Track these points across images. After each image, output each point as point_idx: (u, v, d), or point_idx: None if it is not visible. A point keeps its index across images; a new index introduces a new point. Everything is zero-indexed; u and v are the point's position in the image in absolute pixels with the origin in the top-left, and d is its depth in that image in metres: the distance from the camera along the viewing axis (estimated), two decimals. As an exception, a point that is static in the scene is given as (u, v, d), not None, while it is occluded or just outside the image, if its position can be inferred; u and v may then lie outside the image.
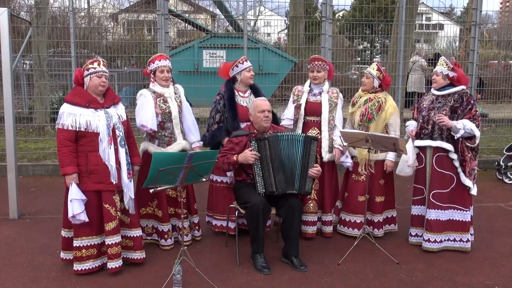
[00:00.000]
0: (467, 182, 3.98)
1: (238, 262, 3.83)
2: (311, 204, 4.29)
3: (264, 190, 3.71)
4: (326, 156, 4.25)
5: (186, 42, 11.38)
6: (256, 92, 4.36)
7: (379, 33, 12.53)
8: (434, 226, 4.03)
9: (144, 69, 4.11)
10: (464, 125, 3.83)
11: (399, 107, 4.70)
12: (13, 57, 5.07)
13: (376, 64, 4.31)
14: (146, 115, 3.79)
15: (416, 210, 4.22)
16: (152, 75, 3.99)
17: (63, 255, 3.68)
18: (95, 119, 3.45)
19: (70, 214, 3.36)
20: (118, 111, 3.64)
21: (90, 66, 3.49)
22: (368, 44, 13.70)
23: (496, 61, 11.26)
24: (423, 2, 18.82)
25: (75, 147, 3.45)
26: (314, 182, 3.94)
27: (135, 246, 3.71)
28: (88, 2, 14.70)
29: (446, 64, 4.00)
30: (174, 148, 3.98)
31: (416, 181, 4.23)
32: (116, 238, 3.53)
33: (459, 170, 3.97)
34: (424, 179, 4.13)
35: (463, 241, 4.06)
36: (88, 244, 3.50)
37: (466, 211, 4.04)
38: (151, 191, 3.33)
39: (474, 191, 4.03)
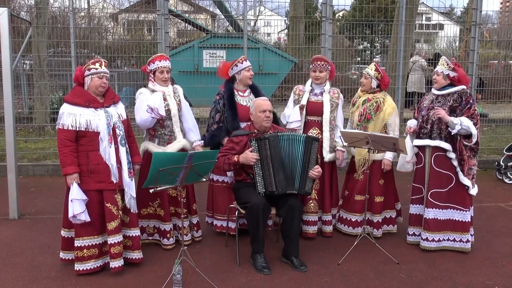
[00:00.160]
0: (466, 181, 3.98)
1: (238, 262, 3.83)
2: (312, 204, 4.29)
3: (264, 190, 3.72)
4: (327, 156, 4.25)
5: (186, 42, 11.38)
6: (256, 92, 4.36)
7: (379, 33, 12.53)
8: (432, 225, 4.04)
9: (143, 66, 4.11)
10: (461, 122, 3.83)
11: (399, 107, 4.70)
12: (13, 57, 5.07)
13: (374, 64, 4.31)
14: (154, 101, 3.77)
15: (414, 209, 4.23)
16: (151, 75, 4.00)
17: (62, 255, 3.68)
18: (95, 119, 3.45)
19: (70, 214, 3.36)
20: (118, 110, 3.64)
21: (92, 66, 3.50)
22: (368, 44, 13.69)
23: (496, 61, 11.26)
24: (423, 2, 18.83)
25: (76, 147, 3.45)
26: (314, 183, 3.95)
27: (133, 245, 3.71)
28: (88, 2, 14.71)
29: (447, 64, 4.00)
30: (174, 146, 3.98)
31: (414, 180, 4.24)
32: (118, 237, 3.53)
33: (458, 169, 3.97)
34: (423, 178, 4.13)
35: (463, 242, 4.06)
36: (90, 244, 3.51)
37: (466, 211, 4.04)
38: (151, 191, 3.33)
39: (473, 191, 4.03)
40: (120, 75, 9.17)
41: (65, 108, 3.45)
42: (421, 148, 4.13)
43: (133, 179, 3.66)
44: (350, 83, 9.33)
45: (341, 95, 4.43)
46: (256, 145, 3.72)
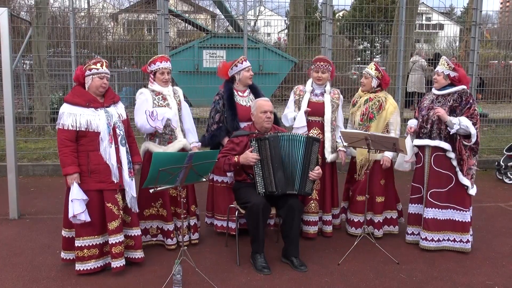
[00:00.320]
0: (465, 181, 3.98)
1: (238, 262, 3.82)
2: (313, 204, 4.30)
3: (264, 190, 3.72)
4: (329, 156, 4.26)
5: (186, 42, 11.37)
6: (256, 92, 4.36)
7: (379, 33, 12.53)
8: (431, 225, 4.04)
9: (143, 66, 4.12)
10: (460, 121, 3.84)
11: (399, 107, 4.70)
12: (13, 57, 5.07)
13: (374, 64, 4.32)
14: (162, 111, 3.80)
15: (413, 208, 4.23)
16: (151, 75, 4.01)
17: (63, 255, 3.68)
18: (95, 119, 3.45)
19: (70, 214, 3.36)
20: (118, 110, 3.64)
21: (93, 66, 3.49)
22: (368, 44, 13.69)
23: (496, 61, 11.26)
24: (423, 2, 18.82)
25: (76, 147, 3.45)
26: (315, 183, 3.95)
27: (135, 245, 3.71)
28: (88, 2, 14.71)
29: (447, 64, 4.01)
30: (175, 146, 3.98)
31: (414, 180, 4.24)
32: (120, 237, 3.53)
33: (457, 169, 3.97)
34: (422, 178, 4.13)
35: (463, 242, 4.06)
36: (90, 244, 3.51)
37: (466, 211, 4.04)
38: (151, 191, 3.33)
39: (472, 191, 4.02)
40: (120, 75, 9.16)
41: (65, 108, 3.45)
42: (421, 148, 4.13)
43: (133, 179, 3.66)
44: (350, 83, 9.33)
45: (341, 96, 4.43)
46: (256, 145, 3.72)
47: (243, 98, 4.27)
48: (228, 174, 4.18)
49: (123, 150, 3.57)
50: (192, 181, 3.52)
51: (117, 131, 3.56)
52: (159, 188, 3.28)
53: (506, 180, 6.74)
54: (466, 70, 7.44)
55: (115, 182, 3.51)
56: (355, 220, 4.36)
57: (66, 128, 3.40)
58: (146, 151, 3.99)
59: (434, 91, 4.13)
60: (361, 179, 4.30)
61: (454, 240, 4.07)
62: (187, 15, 13.26)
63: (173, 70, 4.16)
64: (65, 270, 3.64)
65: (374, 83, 4.29)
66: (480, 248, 4.18)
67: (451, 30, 16.25)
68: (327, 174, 4.31)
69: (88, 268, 3.51)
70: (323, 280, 3.55)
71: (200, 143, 4.20)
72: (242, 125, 4.16)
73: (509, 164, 6.74)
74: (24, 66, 9.92)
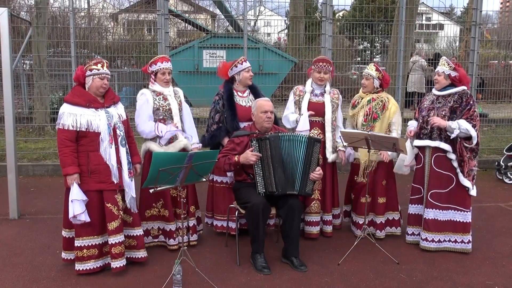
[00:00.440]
0: (466, 182, 3.98)
1: (238, 262, 3.82)
2: (315, 204, 4.30)
3: (264, 190, 3.72)
4: (330, 157, 4.26)
5: (186, 42, 11.37)
6: (255, 92, 4.36)
7: (379, 33, 12.53)
8: (432, 226, 4.03)
9: (144, 67, 4.13)
10: (459, 125, 3.83)
11: (399, 107, 4.69)
12: (13, 57, 5.07)
13: (374, 65, 4.32)
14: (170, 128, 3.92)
15: (413, 209, 4.23)
16: (152, 76, 4.01)
17: (64, 255, 3.68)
18: (95, 119, 3.45)
19: (70, 215, 3.36)
20: (118, 111, 3.65)
21: (94, 67, 3.49)
22: (368, 44, 13.70)
23: (496, 61, 11.26)
24: (423, 2, 18.82)
25: (76, 147, 3.45)
26: (315, 184, 3.94)
27: (138, 245, 3.72)
28: (88, 2, 14.71)
29: (448, 64, 4.01)
30: (176, 146, 3.98)
31: (414, 180, 4.23)
32: (119, 237, 3.53)
33: (458, 170, 3.97)
34: (422, 178, 4.13)
35: (464, 243, 4.06)
36: (89, 244, 3.51)
37: (467, 212, 4.04)
38: (151, 191, 3.33)
39: (473, 192, 4.03)
40: (120, 75, 9.16)
41: (65, 108, 3.45)
42: (421, 148, 4.13)
43: (133, 179, 3.66)
44: (350, 83, 9.33)
45: (340, 95, 4.44)
46: (257, 145, 3.72)
47: (242, 99, 4.27)
48: (228, 174, 4.18)
49: (123, 151, 3.57)
50: (192, 181, 3.52)
51: (117, 131, 3.56)
52: (159, 188, 3.28)
53: (506, 180, 6.74)
54: (466, 70, 7.43)
55: (115, 182, 3.51)
56: (361, 222, 4.34)
57: (66, 128, 3.40)
58: (146, 151, 3.99)
59: (434, 91, 4.12)
60: (362, 181, 4.28)
61: (455, 241, 4.07)
62: (187, 15, 13.26)
63: (173, 70, 4.16)
64: (65, 270, 3.65)
65: (376, 83, 4.29)
66: (480, 248, 4.18)
67: (451, 30, 16.27)
68: (328, 174, 4.31)
69: (88, 268, 3.51)
70: (323, 280, 3.55)
71: (200, 144, 4.20)
72: (242, 125, 4.16)
73: (509, 164, 6.74)
74: (24, 66, 9.92)
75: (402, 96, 8.33)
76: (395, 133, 4.24)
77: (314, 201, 4.29)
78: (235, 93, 4.26)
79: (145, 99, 3.93)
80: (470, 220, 4.06)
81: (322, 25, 7.46)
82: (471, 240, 4.08)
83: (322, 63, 4.25)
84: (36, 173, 6.92)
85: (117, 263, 3.52)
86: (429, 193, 4.05)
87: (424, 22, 26.68)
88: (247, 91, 4.35)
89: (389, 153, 4.22)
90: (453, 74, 3.98)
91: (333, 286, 3.46)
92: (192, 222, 4.17)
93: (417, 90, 10.10)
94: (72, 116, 3.41)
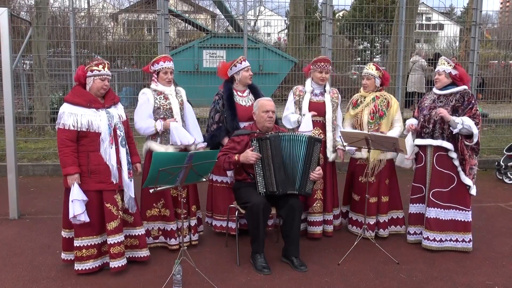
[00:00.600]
0: (467, 180, 3.98)
1: (238, 262, 3.82)
2: (318, 204, 4.30)
3: (264, 190, 3.72)
4: (331, 156, 4.26)
5: (186, 42, 11.38)
6: (255, 92, 4.36)
7: (379, 33, 12.54)
8: (433, 225, 4.04)
9: (145, 66, 4.13)
10: (462, 121, 3.84)
11: (399, 108, 4.71)
12: (13, 57, 5.07)
13: (373, 64, 4.32)
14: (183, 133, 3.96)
15: (414, 208, 4.22)
16: (154, 75, 4.02)
17: (64, 255, 3.68)
18: (96, 119, 3.45)
19: (71, 215, 3.36)
20: (118, 111, 3.65)
21: (95, 68, 3.49)
22: (368, 44, 13.70)
23: (496, 61, 11.27)
24: (423, 2, 18.83)
25: (76, 147, 3.45)
26: (315, 184, 3.94)
27: (140, 244, 3.72)
28: (88, 2, 14.72)
29: (448, 63, 4.01)
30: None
31: (415, 180, 4.23)
32: (119, 237, 3.53)
33: (459, 169, 3.97)
34: (424, 178, 4.13)
35: (465, 241, 4.06)
36: (89, 244, 3.51)
37: (468, 211, 4.04)
38: (151, 191, 3.33)
39: (473, 191, 4.03)
40: (120, 75, 9.17)
41: (66, 108, 3.44)
42: (422, 147, 4.13)
43: (132, 179, 3.66)
44: (350, 83, 9.33)
45: (339, 95, 4.44)
46: (257, 145, 3.72)
47: (242, 98, 4.28)
48: (228, 174, 4.18)
49: (123, 151, 3.58)
50: (192, 181, 3.52)
51: (118, 132, 3.56)
52: (159, 188, 3.28)
53: (506, 180, 6.74)
54: (466, 70, 7.43)
55: (115, 183, 3.51)
56: (371, 222, 4.32)
57: (67, 128, 3.40)
58: (147, 151, 3.99)
59: (435, 90, 4.12)
60: (371, 181, 4.25)
61: (457, 240, 4.07)
62: (187, 15, 13.26)
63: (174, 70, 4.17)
64: (65, 270, 3.64)
65: (378, 82, 4.30)
66: (480, 248, 4.18)
67: (451, 30, 16.27)
68: (329, 173, 4.32)
69: (87, 268, 3.52)
70: (323, 280, 3.55)
71: (206, 143, 4.20)
72: (242, 125, 4.16)
73: (509, 164, 6.74)
74: (24, 66, 9.92)
75: (402, 96, 8.33)
76: (400, 129, 4.26)
77: (317, 201, 4.29)
78: (235, 93, 4.26)
79: (145, 98, 3.94)
80: (471, 219, 4.07)
81: (322, 25, 7.47)
82: (471, 239, 4.08)
83: (323, 63, 4.25)
84: (36, 173, 6.92)
85: (116, 263, 3.52)
86: (431, 192, 4.05)
87: (424, 22, 26.69)
88: (247, 91, 4.35)
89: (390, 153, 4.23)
90: (454, 72, 3.99)
91: (333, 286, 3.46)
92: (193, 221, 4.18)
93: (417, 90, 10.10)
94: (72, 116, 3.41)
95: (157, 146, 3.94)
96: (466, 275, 3.65)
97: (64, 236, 3.64)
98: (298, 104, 4.30)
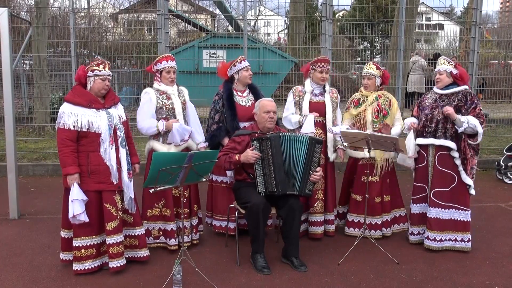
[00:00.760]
0: (468, 180, 3.98)
1: (238, 262, 3.82)
2: (319, 205, 4.30)
3: (264, 190, 3.72)
4: (332, 156, 4.26)
5: (186, 42, 11.38)
6: (255, 92, 4.36)
7: (379, 33, 12.54)
8: (434, 224, 4.03)
9: (148, 66, 4.14)
10: (468, 120, 3.84)
11: (399, 107, 4.72)
12: (13, 57, 5.07)
13: (373, 64, 4.32)
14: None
15: (417, 208, 4.21)
16: (158, 74, 4.02)
17: (62, 256, 3.67)
18: (96, 120, 3.45)
19: (70, 215, 3.36)
20: (119, 112, 3.65)
21: (96, 68, 3.49)
22: (368, 44, 13.70)
23: (496, 61, 11.27)
24: (423, 2, 18.83)
25: (76, 147, 3.45)
26: (315, 184, 3.94)
27: (140, 244, 3.72)
28: (88, 2, 14.72)
29: (448, 62, 4.02)
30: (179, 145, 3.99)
31: (416, 179, 4.22)
32: (118, 238, 3.53)
33: (460, 168, 3.97)
34: (426, 177, 4.13)
35: (464, 241, 4.06)
36: (88, 244, 3.51)
37: (467, 210, 4.05)
38: (151, 191, 3.33)
39: (472, 190, 4.03)
40: (120, 75, 9.17)
41: (66, 108, 3.44)
42: (424, 147, 4.12)
43: (132, 180, 3.66)
44: (350, 83, 9.33)
45: (338, 95, 4.45)
46: (258, 144, 3.72)
47: (242, 98, 4.27)
48: (228, 174, 4.18)
49: (123, 152, 3.57)
50: (192, 181, 3.52)
51: (118, 132, 3.56)
52: (159, 188, 3.28)
53: (506, 180, 6.74)
54: (466, 70, 7.43)
55: (114, 183, 3.51)
56: (373, 223, 4.31)
57: (67, 128, 3.40)
58: (150, 151, 3.99)
59: (436, 90, 4.11)
60: (372, 181, 4.24)
61: (456, 240, 4.07)
62: (187, 15, 13.27)
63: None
64: (65, 270, 3.64)
65: (378, 82, 4.31)
66: (480, 248, 4.18)
67: (451, 30, 16.28)
68: (329, 173, 4.32)
69: (86, 268, 3.52)
70: (323, 280, 3.55)
71: (207, 143, 4.20)
72: (242, 125, 4.16)
73: (509, 164, 6.74)
74: (24, 66, 9.93)
75: (402, 96, 8.33)
76: (401, 128, 4.28)
77: (318, 201, 4.29)
78: (235, 93, 4.26)
79: (148, 97, 3.94)
80: (470, 219, 4.07)
81: (322, 25, 7.47)
82: (470, 238, 4.08)
83: (323, 63, 4.26)
84: (36, 173, 6.92)
85: (115, 263, 3.52)
86: (432, 192, 4.05)
87: (424, 22, 26.69)
88: (247, 91, 4.35)
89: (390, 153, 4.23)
90: (455, 72, 4.00)
91: (333, 286, 3.46)
92: (195, 221, 4.19)
93: (417, 90, 10.10)
94: (73, 116, 3.40)
95: (159, 146, 3.94)
96: (466, 275, 3.65)
97: (63, 236, 3.63)
98: (298, 105, 4.30)
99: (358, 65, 11.20)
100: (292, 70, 9.36)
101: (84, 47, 9.09)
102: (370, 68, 4.30)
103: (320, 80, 4.27)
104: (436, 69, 4.12)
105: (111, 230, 3.49)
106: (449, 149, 3.98)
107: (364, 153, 4.22)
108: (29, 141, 7.93)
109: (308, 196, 3.95)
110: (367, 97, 4.32)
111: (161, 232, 4.07)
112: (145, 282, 3.47)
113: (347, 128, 4.25)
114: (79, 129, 3.40)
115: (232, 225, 4.20)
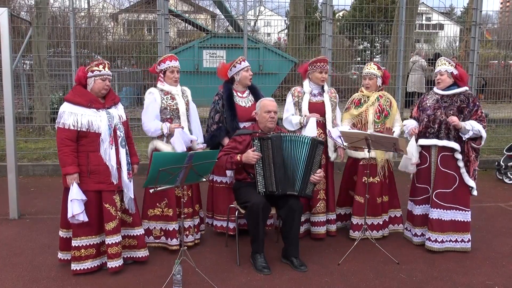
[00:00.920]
0: (471, 182, 3.98)
1: (238, 262, 3.82)
2: (322, 205, 4.29)
3: (264, 190, 3.72)
4: (332, 156, 4.27)
5: (186, 42, 11.39)
6: (255, 93, 4.36)
7: (379, 33, 12.55)
8: (435, 225, 4.03)
9: (151, 67, 4.15)
10: (472, 127, 3.85)
11: (399, 107, 4.76)
12: (13, 57, 5.07)
13: (374, 64, 4.32)
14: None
15: (419, 209, 4.19)
16: (161, 74, 4.02)
17: (60, 255, 3.67)
18: (96, 120, 3.45)
19: (69, 214, 3.36)
20: (119, 112, 3.65)
21: (96, 68, 3.49)
22: (368, 44, 13.71)
23: (496, 61, 11.27)
24: (423, 2, 18.83)
25: (76, 146, 3.45)
26: (315, 186, 3.94)
27: (139, 244, 3.72)
28: (88, 2, 14.73)
29: (449, 63, 4.01)
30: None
31: (418, 181, 4.20)
32: (116, 238, 3.53)
33: (463, 170, 3.97)
34: (429, 178, 4.12)
35: (464, 242, 4.06)
36: (87, 244, 3.51)
37: (468, 211, 4.04)
38: (151, 191, 3.33)
39: (475, 191, 4.04)
40: (120, 75, 9.17)
41: (66, 107, 3.44)
42: (426, 148, 4.11)
43: (132, 180, 3.66)
44: (350, 83, 9.33)
45: (337, 94, 4.45)
46: (259, 144, 3.73)
47: (242, 99, 4.27)
48: (228, 174, 4.18)
49: (122, 152, 3.57)
50: (192, 181, 3.52)
51: (118, 132, 3.56)
52: (159, 188, 3.28)
53: (506, 180, 6.74)
54: (466, 70, 7.44)
55: (114, 183, 3.51)
56: (375, 223, 4.30)
57: (67, 128, 3.39)
58: (153, 150, 3.99)
59: (437, 90, 4.10)
60: (373, 182, 4.23)
61: (456, 241, 4.07)
62: (187, 15, 13.27)
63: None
64: (64, 270, 3.64)
65: (380, 82, 4.31)
66: (480, 248, 4.18)
67: (451, 30, 16.29)
68: (330, 173, 4.32)
69: (85, 267, 3.52)
70: (323, 280, 3.55)
71: (205, 144, 4.21)
72: (242, 125, 4.16)
73: (509, 164, 6.74)
74: (24, 66, 9.93)
75: (402, 96, 8.32)
76: (400, 128, 4.29)
77: (320, 201, 4.28)
78: (235, 94, 4.26)
79: (153, 98, 3.95)
80: (470, 219, 4.07)
81: (322, 25, 7.47)
82: (470, 239, 4.08)
83: (322, 63, 4.26)
84: (36, 173, 6.92)
85: (114, 263, 3.52)
86: (434, 193, 4.04)
87: (424, 22, 26.70)
88: (247, 92, 4.34)
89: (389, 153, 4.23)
90: (455, 72, 4.00)
91: (333, 286, 3.46)
92: (197, 220, 4.20)
93: (417, 90, 10.09)
94: (73, 116, 3.40)
95: (163, 146, 3.94)
96: (466, 275, 3.65)
97: (61, 236, 3.63)
98: (297, 105, 4.29)
99: (358, 65, 11.20)
100: (292, 70, 9.36)
101: (84, 47, 9.09)
102: (371, 68, 4.29)
103: (319, 80, 4.27)
104: (436, 70, 4.10)
105: (110, 230, 3.49)
106: (451, 150, 3.97)
107: (365, 153, 4.19)
108: (29, 141, 7.93)
109: (308, 197, 3.94)
110: (368, 97, 4.31)
111: (162, 232, 4.06)
112: (145, 282, 3.47)
113: (349, 129, 4.25)
114: (79, 129, 3.40)
115: (232, 225, 4.20)
